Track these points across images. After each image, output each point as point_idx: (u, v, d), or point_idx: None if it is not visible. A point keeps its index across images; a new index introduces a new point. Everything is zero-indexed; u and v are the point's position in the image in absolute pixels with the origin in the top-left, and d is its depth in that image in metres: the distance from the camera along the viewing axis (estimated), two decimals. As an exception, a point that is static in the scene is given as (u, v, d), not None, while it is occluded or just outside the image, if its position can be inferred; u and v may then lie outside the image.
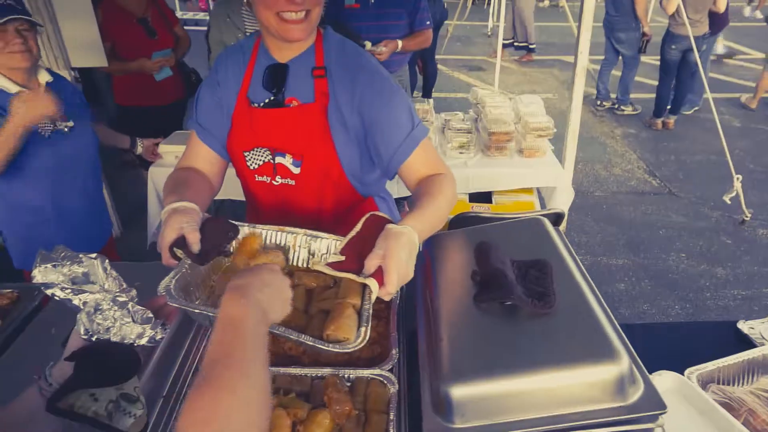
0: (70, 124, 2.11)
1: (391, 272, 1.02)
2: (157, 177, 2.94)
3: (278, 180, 1.40)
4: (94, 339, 0.84)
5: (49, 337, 1.23)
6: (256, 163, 1.40)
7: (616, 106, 6.68)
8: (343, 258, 1.09)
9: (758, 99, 6.62)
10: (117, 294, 0.86)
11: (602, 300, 1.12)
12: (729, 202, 4.23)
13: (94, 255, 0.89)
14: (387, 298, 1.03)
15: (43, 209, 2.12)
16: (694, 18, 5.49)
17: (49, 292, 0.86)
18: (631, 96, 6.61)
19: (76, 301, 0.85)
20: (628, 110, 6.59)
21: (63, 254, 0.88)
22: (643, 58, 6.73)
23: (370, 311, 1.01)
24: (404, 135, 1.33)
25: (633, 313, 3.26)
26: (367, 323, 0.98)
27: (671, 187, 4.86)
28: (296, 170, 1.37)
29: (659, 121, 6.11)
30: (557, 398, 0.91)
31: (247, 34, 3.33)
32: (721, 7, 5.54)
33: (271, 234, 1.23)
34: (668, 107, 6.10)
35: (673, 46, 5.69)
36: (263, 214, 1.49)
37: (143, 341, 0.85)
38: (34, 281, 0.85)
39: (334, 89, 1.33)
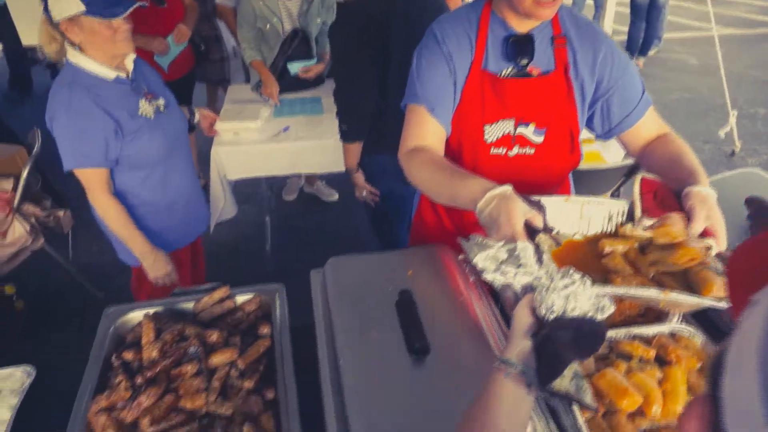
0: (162, 101, 1.96)
1: (722, 231, 1.09)
2: (219, 157, 2.79)
3: (514, 151, 1.40)
4: (549, 318, 0.82)
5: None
6: (495, 136, 1.39)
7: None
8: (654, 220, 1.15)
9: None
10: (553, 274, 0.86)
11: None
12: (723, 137, 4.58)
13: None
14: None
15: (156, 199, 1.98)
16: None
17: (489, 278, 0.86)
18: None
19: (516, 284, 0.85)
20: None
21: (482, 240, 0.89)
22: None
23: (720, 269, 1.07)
24: (638, 97, 1.38)
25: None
26: None
27: (661, 126, 5.18)
28: (538, 139, 1.38)
29: (631, 62, 6.42)
30: None
31: (282, 16, 3.15)
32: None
33: (557, 205, 1.23)
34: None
35: (643, -11, 5.94)
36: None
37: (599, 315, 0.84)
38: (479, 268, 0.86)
39: (575, 56, 1.34)
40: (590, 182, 2.82)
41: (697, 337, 1.20)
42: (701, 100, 5.67)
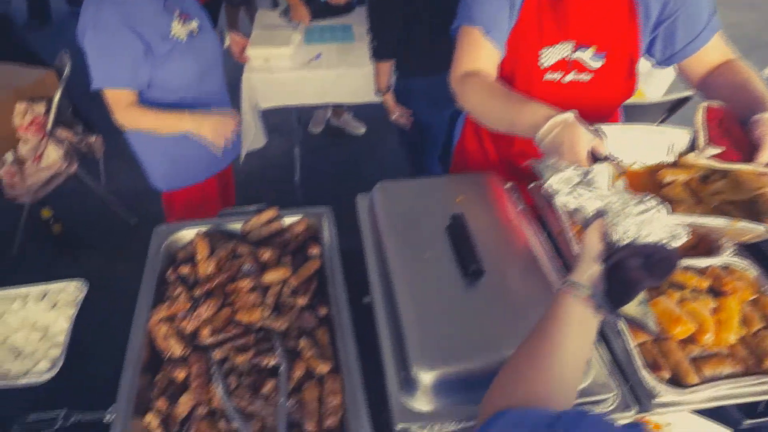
0: (196, 23, 1.90)
1: None
2: (252, 85, 2.74)
3: (569, 77, 1.35)
4: (621, 243, 0.81)
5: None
6: (551, 60, 1.33)
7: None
8: (722, 148, 1.11)
9: None
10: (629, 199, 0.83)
11: None
12: None
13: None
14: None
15: None
16: None
17: (561, 200, 0.84)
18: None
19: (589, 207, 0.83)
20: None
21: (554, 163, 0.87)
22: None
23: None
24: (706, 21, 1.30)
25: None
26: None
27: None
28: (597, 64, 1.33)
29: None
30: None
31: None
32: None
33: (617, 133, 1.19)
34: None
35: None
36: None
37: (673, 243, 0.82)
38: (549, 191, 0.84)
39: None
40: (630, 119, 2.73)
41: (750, 271, 1.19)
42: (746, 37, 5.39)
